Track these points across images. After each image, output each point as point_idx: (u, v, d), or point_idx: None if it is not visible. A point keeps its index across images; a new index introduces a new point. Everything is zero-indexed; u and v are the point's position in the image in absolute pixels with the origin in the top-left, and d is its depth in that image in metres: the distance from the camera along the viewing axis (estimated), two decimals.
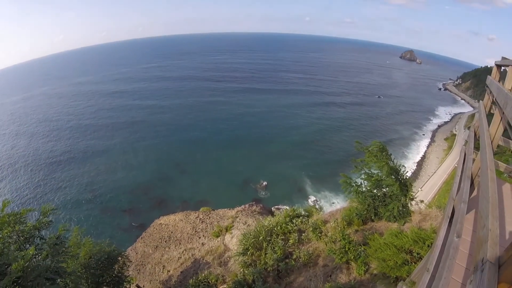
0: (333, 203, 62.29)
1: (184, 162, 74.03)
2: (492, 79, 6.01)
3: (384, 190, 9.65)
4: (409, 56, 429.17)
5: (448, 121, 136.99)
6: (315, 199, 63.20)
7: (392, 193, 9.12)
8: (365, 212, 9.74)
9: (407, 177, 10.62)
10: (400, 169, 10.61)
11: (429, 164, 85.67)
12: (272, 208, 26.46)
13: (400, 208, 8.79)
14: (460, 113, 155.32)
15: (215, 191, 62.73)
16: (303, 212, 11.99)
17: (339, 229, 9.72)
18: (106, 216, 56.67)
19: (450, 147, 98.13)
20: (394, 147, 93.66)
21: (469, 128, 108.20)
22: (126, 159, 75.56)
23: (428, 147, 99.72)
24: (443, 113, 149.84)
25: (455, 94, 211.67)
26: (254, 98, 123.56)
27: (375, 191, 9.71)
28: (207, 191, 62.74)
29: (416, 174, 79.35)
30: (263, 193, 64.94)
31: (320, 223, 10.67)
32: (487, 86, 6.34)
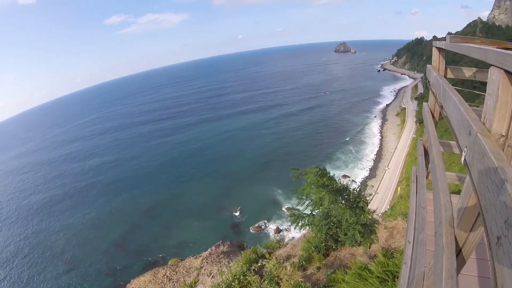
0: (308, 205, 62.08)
1: (151, 208, 70.34)
2: (431, 68, 4.91)
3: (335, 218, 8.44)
4: (343, 48, 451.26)
5: (394, 98, 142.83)
6: (289, 206, 62.17)
7: (345, 221, 7.96)
8: (323, 244, 8.44)
9: (359, 192, 9.41)
10: (349, 188, 9.29)
11: (388, 142, 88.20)
12: (244, 242, 24.78)
13: (361, 231, 7.61)
14: (404, 87, 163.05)
15: (189, 229, 59.82)
16: (264, 251, 10.52)
17: (294, 277, 8.28)
18: (87, 283, 52.04)
19: (403, 121, 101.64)
20: (351, 136, 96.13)
21: (416, 99, 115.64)
22: (93, 219, 70.49)
23: (382, 127, 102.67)
24: (388, 92, 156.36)
25: (394, 71, 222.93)
26: (205, 129, 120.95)
27: (327, 220, 8.44)
28: (180, 232, 59.71)
29: (379, 155, 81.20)
30: (239, 217, 63.00)
31: (275, 269, 9.16)
32: (428, 82, 5.22)
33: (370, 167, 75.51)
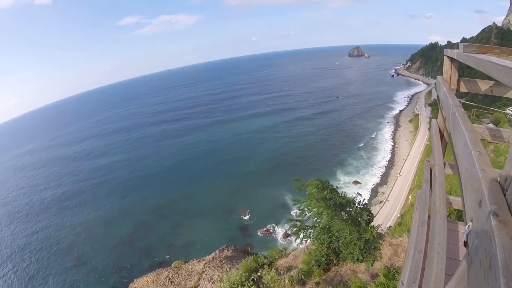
0: None
1: (160, 207, 70.82)
2: (441, 81, 4.28)
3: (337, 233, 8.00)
4: (357, 52, 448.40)
5: (408, 104, 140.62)
6: (290, 216, 61.88)
7: (345, 238, 7.51)
8: (324, 258, 8.03)
9: (363, 206, 8.90)
10: (352, 201, 8.67)
11: (400, 149, 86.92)
12: (248, 248, 24.46)
13: (362, 247, 7.17)
14: (417, 92, 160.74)
15: (197, 230, 59.88)
16: (264, 260, 10.19)
17: None
18: (93, 278, 52.65)
19: (416, 128, 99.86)
20: (363, 142, 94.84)
21: (429, 105, 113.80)
22: (103, 216, 71.37)
23: (395, 133, 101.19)
24: (402, 98, 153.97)
25: (408, 76, 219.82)
26: (217, 130, 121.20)
27: (329, 234, 8.01)
28: (188, 232, 59.87)
29: (391, 162, 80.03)
30: (248, 220, 62.79)
31: (273, 281, 8.79)
32: (437, 97, 4.42)
33: (381, 174, 74.41)
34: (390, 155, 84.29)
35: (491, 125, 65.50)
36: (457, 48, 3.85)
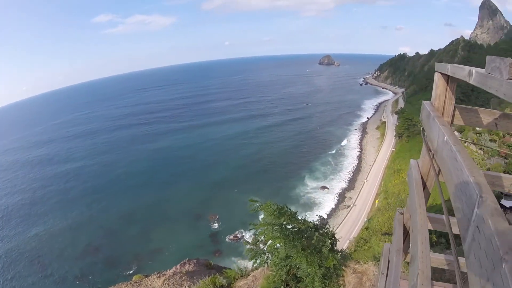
0: None
1: (129, 214, 68.36)
2: (428, 108, 3.17)
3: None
4: (327, 60, 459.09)
5: (375, 112, 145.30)
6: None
7: (303, 270, 7.11)
8: (282, 286, 7.51)
9: (329, 231, 8.13)
10: (315, 228, 7.93)
11: (367, 155, 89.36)
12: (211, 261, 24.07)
13: (323, 276, 6.89)
14: (385, 101, 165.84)
15: (166, 237, 58.46)
16: (222, 281, 9.84)
17: None
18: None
19: (383, 135, 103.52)
20: (332, 148, 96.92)
21: (396, 113, 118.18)
22: (68, 224, 67.85)
23: (362, 140, 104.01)
24: (369, 106, 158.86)
25: (376, 85, 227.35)
26: (187, 136, 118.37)
27: (287, 261, 7.47)
28: (156, 240, 58.33)
29: (358, 167, 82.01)
30: (216, 226, 62.26)
31: None
32: (422, 131, 3.50)
33: (349, 179, 76.09)
34: (357, 161, 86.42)
35: (456, 133, 69.35)
36: (443, 63, 3.03)
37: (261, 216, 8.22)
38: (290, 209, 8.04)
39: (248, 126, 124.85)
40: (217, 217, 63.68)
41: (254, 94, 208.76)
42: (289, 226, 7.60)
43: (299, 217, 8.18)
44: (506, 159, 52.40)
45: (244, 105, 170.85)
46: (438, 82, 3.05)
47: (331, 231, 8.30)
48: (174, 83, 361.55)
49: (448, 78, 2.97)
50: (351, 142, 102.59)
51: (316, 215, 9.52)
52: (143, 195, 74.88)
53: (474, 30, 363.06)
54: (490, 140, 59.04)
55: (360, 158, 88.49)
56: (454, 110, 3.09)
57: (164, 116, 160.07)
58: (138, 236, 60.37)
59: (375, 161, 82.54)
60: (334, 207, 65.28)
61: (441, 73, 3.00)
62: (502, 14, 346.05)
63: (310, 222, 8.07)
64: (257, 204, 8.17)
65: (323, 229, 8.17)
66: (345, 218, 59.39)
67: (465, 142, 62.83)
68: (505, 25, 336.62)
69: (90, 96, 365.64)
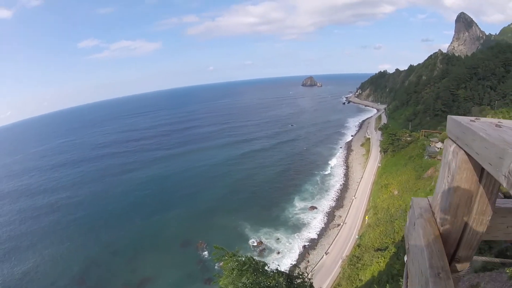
0: (278, 239, 61.51)
1: (115, 243, 65.79)
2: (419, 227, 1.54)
3: None
4: (310, 82, 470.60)
5: (359, 129, 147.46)
6: (256, 241, 61.53)
7: None
8: None
9: (305, 280, 6.99)
10: (290, 280, 6.84)
11: (354, 172, 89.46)
12: None
13: None
14: (368, 118, 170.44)
15: (154, 266, 56.37)
16: None
17: None
18: None
19: (368, 151, 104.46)
20: (318, 168, 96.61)
21: (379, 129, 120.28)
22: (53, 255, 64.91)
23: (348, 157, 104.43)
24: (353, 123, 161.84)
25: (359, 103, 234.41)
26: (173, 163, 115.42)
27: None
28: (144, 269, 56.12)
29: (346, 185, 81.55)
30: (206, 253, 60.38)
31: None
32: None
33: (337, 198, 75.44)
34: (344, 179, 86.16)
35: (440, 144, 70.69)
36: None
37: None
38: (255, 262, 6.97)
39: (234, 151, 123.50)
40: (206, 244, 61.87)
41: (239, 118, 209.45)
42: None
43: (270, 268, 7.10)
44: None
45: (230, 130, 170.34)
46: (461, 164, 1.46)
47: (309, 279, 7.28)
48: (160, 109, 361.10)
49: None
50: (337, 160, 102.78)
51: (291, 263, 8.09)
52: (130, 224, 72.40)
53: (451, 43, 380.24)
54: None
55: (347, 175, 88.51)
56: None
57: (150, 144, 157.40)
58: (126, 266, 57.96)
59: (362, 177, 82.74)
60: (324, 226, 64.44)
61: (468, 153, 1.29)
62: (477, 25, 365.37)
63: (283, 273, 6.98)
64: (221, 253, 7.17)
65: (299, 279, 7.13)
66: (336, 236, 58.63)
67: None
68: (481, 35, 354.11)
69: (74, 122, 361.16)
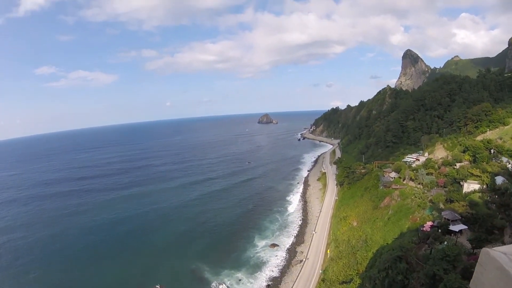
0: (240, 279, 59.08)
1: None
2: None
3: None
4: (266, 119, 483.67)
5: (315, 164, 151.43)
6: (217, 283, 58.15)
7: None
8: None
9: None
10: None
11: (312, 207, 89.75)
12: None
13: None
14: (323, 153, 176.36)
15: None
16: None
17: None
18: None
19: (324, 185, 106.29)
20: (276, 204, 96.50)
21: (334, 163, 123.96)
22: None
23: (306, 192, 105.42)
24: (309, 159, 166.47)
25: (313, 139, 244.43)
26: (126, 203, 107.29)
27: None
28: None
29: (305, 220, 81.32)
30: None
31: None
32: None
33: (297, 233, 74.37)
34: (303, 214, 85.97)
35: (393, 173, 73.29)
36: None
37: None
38: None
39: (191, 192, 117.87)
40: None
41: (196, 156, 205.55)
42: None
43: None
44: (446, 187, 55.81)
45: (186, 168, 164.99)
46: None
47: None
48: (114, 144, 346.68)
49: None
50: (295, 196, 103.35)
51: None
52: (78, 267, 66.64)
53: (399, 78, 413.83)
54: (427, 174, 62.78)
55: (306, 210, 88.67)
56: None
57: (104, 182, 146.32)
58: None
59: (320, 211, 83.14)
60: (286, 263, 62.72)
61: None
62: (423, 60, 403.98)
63: None
64: None
65: None
66: (299, 273, 56.99)
67: (403, 180, 66.99)
68: (426, 69, 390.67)
69: (21, 154, 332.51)
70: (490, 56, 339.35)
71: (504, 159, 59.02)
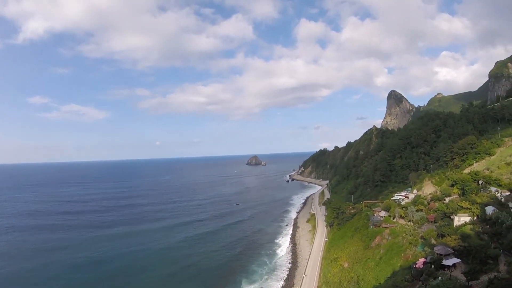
0: None
1: None
2: None
3: None
4: (255, 161, 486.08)
5: (304, 205, 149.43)
6: None
7: None
8: None
9: None
10: None
11: (302, 249, 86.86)
12: None
13: None
14: (311, 194, 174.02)
15: None
16: None
17: None
18: None
19: (314, 227, 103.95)
20: (265, 247, 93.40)
21: (323, 204, 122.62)
22: None
23: (294, 234, 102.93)
24: (297, 200, 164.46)
25: (302, 180, 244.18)
26: (110, 246, 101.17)
27: None
28: None
29: (294, 263, 78.21)
30: None
31: None
32: None
33: (286, 277, 70.74)
34: (292, 257, 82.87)
35: (383, 212, 71.91)
36: None
37: None
38: None
39: (177, 234, 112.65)
40: None
41: (184, 196, 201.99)
42: None
43: None
44: (436, 222, 54.85)
45: (173, 209, 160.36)
46: None
47: None
48: (101, 180, 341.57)
49: None
50: (284, 238, 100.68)
51: None
52: None
53: (384, 118, 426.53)
54: (417, 210, 61.81)
55: (295, 253, 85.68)
56: None
57: (89, 219, 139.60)
58: None
59: (310, 253, 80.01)
60: None
61: None
62: (407, 100, 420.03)
63: None
64: None
65: None
66: None
67: (393, 218, 65.64)
68: (410, 108, 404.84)
69: (5, 180, 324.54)
70: (472, 90, 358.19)
71: (493, 189, 58.72)
